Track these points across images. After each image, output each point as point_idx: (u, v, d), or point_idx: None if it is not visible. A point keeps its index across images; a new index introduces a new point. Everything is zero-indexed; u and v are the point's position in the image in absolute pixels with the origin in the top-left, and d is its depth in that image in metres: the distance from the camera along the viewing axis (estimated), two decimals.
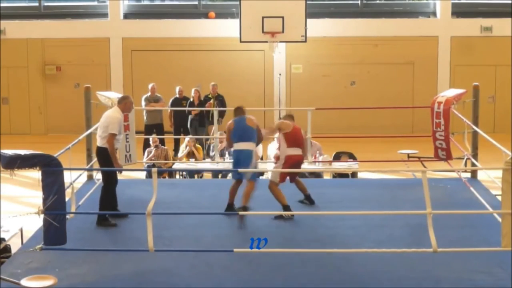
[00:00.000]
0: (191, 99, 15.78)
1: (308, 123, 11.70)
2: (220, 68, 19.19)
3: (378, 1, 20.37)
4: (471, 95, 11.06)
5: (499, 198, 7.89)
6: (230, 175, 12.88)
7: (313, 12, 18.38)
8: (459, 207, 9.25)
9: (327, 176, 13.01)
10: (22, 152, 7.11)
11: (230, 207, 9.04)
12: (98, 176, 10.89)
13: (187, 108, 15.50)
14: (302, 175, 12.69)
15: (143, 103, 15.69)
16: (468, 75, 18.19)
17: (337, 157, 13.22)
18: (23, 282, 6.81)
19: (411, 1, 20.36)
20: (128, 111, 9.29)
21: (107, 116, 8.77)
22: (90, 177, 10.90)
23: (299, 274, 7.21)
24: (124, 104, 8.94)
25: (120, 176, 12.82)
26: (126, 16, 19.93)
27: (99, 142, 8.72)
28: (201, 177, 13.45)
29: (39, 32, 19.63)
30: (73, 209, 8.58)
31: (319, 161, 12.49)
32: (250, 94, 19.18)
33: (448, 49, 19.32)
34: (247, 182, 8.90)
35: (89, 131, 10.49)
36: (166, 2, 21.14)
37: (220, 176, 12.98)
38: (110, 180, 8.81)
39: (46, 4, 20.21)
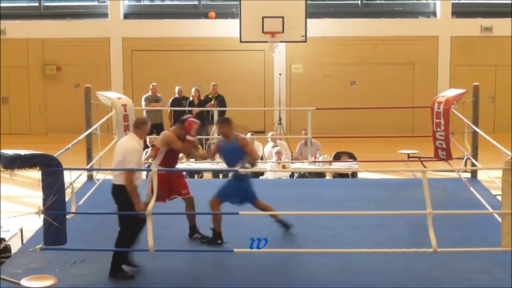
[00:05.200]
0: (191, 99, 15.80)
1: (308, 123, 11.71)
2: (220, 68, 19.18)
3: (378, 1, 20.37)
4: (471, 95, 11.06)
5: (499, 198, 7.88)
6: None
7: (313, 12, 18.38)
8: (459, 207, 9.25)
9: (327, 176, 13.01)
10: (22, 152, 7.11)
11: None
12: (98, 176, 10.91)
13: (187, 108, 15.50)
14: (303, 175, 12.75)
15: (143, 103, 15.70)
16: (468, 75, 18.18)
17: (337, 157, 13.23)
18: (23, 282, 6.82)
19: (411, 1, 20.35)
20: (144, 138, 7.71)
21: (123, 146, 7.34)
22: (90, 177, 10.90)
23: (299, 274, 7.22)
24: (145, 130, 7.44)
25: None
26: (126, 16, 19.93)
27: (114, 178, 7.29)
28: (201, 177, 13.45)
29: (39, 32, 19.62)
30: (73, 209, 8.58)
31: (319, 161, 12.50)
32: (250, 94, 19.18)
33: (448, 49, 19.32)
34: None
35: (89, 131, 10.48)
36: (166, 2, 21.14)
37: (221, 176, 12.97)
38: (130, 224, 7.24)
39: (46, 4, 20.20)
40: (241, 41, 17.73)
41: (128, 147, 7.28)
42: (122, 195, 7.19)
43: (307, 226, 8.63)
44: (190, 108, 15.38)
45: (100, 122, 10.57)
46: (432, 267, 7.26)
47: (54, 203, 7.06)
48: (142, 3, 21.22)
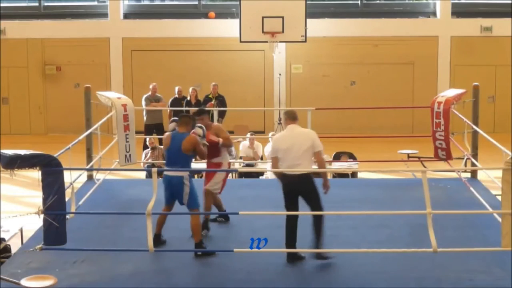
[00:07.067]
0: (188, 98, 15.82)
1: (308, 123, 11.69)
2: (220, 68, 19.19)
3: (378, 1, 20.38)
4: (471, 95, 11.05)
5: (499, 198, 7.88)
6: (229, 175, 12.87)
7: (313, 12, 18.39)
8: (459, 207, 9.25)
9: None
10: (22, 152, 7.11)
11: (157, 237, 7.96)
12: (98, 176, 10.91)
13: (187, 108, 15.49)
14: None
15: (143, 103, 15.70)
16: (468, 75, 18.19)
17: (337, 157, 13.22)
18: (23, 282, 6.82)
19: (411, 1, 20.36)
20: None
21: (307, 134, 7.80)
22: (90, 177, 10.89)
23: (299, 274, 7.21)
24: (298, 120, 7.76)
25: (120, 176, 12.92)
26: (126, 16, 19.93)
27: (301, 168, 7.64)
28: (201, 177, 13.42)
29: (39, 32, 19.63)
30: (73, 209, 8.58)
31: None
32: (250, 94, 19.19)
33: (448, 49, 19.33)
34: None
35: (89, 131, 10.47)
36: (166, 2, 21.15)
37: None
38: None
39: (46, 4, 20.21)
40: (241, 41, 17.75)
41: (312, 133, 7.79)
42: (313, 182, 7.74)
43: (307, 226, 8.62)
44: (190, 108, 15.38)
45: (100, 122, 10.57)
46: (432, 267, 7.26)
47: (54, 203, 7.06)
48: (142, 3, 21.22)
